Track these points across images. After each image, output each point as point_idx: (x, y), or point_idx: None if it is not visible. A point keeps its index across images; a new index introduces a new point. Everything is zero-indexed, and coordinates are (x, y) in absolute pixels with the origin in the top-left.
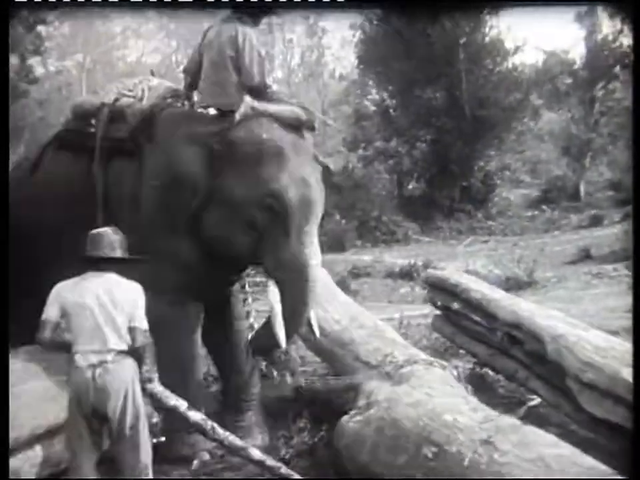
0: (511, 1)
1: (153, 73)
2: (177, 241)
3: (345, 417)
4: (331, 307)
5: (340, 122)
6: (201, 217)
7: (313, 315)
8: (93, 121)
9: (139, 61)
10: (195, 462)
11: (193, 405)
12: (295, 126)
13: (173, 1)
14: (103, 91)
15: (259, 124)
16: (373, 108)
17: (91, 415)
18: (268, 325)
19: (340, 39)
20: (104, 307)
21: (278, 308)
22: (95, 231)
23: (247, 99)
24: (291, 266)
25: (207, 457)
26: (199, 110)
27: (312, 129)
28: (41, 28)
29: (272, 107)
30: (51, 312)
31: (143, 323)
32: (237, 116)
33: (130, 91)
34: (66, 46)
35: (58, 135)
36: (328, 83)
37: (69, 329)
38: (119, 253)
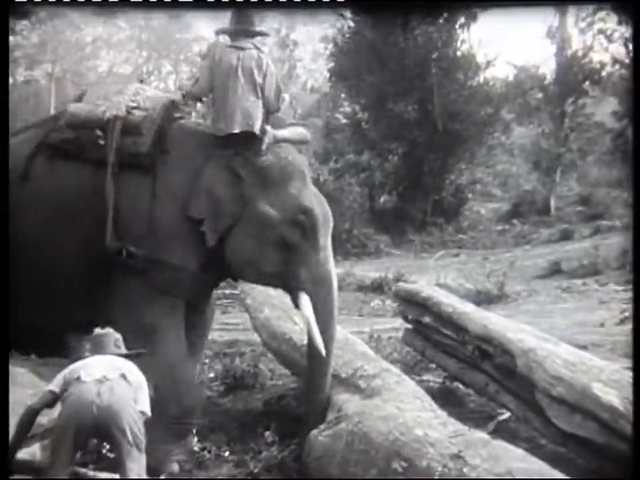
0: (490, 1)
1: (142, 82)
2: (188, 254)
3: (315, 431)
4: (300, 320)
5: (311, 134)
6: (227, 240)
7: (317, 331)
8: (99, 132)
9: (110, 71)
10: (163, 475)
11: (193, 410)
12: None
13: (173, 1)
14: (102, 101)
15: (283, 149)
16: (344, 121)
17: (91, 431)
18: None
19: (312, 52)
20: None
21: (313, 319)
22: (98, 332)
23: (269, 129)
24: (322, 280)
25: (176, 468)
26: (218, 133)
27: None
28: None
29: (287, 133)
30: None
31: (146, 409)
32: (264, 147)
33: (133, 102)
34: (35, 55)
35: (48, 144)
36: (299, 96)
37: None
38: (123, 351)
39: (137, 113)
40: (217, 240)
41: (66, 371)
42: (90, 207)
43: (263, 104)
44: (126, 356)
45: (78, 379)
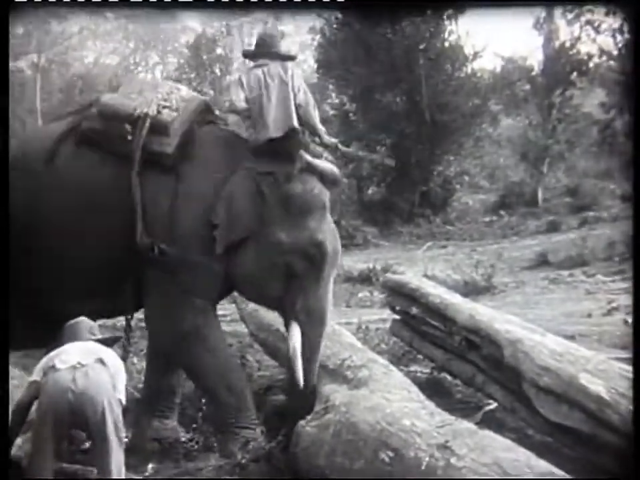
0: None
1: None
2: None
3: (302, 422)
4: None
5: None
6: (236, 252)
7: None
8: (127, 127)
9: (97, 61)
10: (149, 466)
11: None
12: (330, 182)
13: (173, 1)
14: (136, 95)
15: (310, 179)
16: (332, 112)
17: (68, 418)
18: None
19: (299, 43)
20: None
21: (299, 350)
22: (72, 321)
23: (304, 154)
24: (317, 313)
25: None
26: (257, 142)
27: (337, 185)
28: None
29: (319, 164)
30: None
31: (122, 398)
32: (295, 170)
33: (165, 100)
34: (20, 46)
35: (79, 130)
36: None
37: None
38: (99, 336)
39: (167, 112)
40: (224, 249)
41: (44, 360)
42: (111, 199)
43: (296, 105)
44: (102, 341)
45: (53, 367)
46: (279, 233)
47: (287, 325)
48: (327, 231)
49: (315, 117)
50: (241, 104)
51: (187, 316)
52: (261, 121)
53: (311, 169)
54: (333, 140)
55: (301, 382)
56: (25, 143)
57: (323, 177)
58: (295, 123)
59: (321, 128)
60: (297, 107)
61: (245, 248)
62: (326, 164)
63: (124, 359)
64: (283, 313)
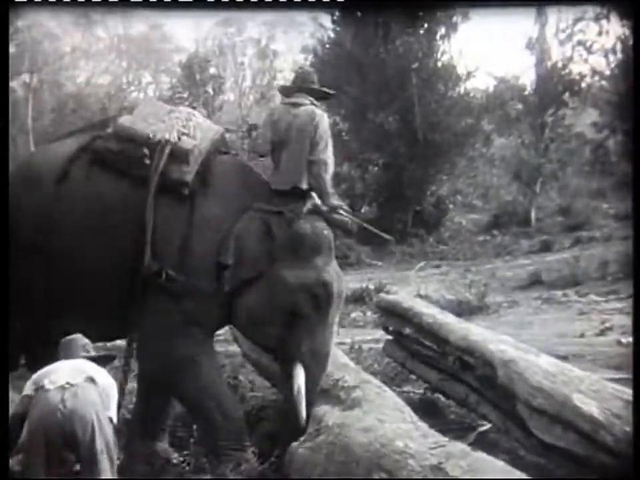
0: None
1: (194, 108)
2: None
3: (295, 443)
4: None
5: None
6: (244, 290)
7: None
8: (145, 151)
9: (89, 81)
10: None
11: (244, 432)
12: (344, 231)
13: (173, 2)
14: (153, 119)
15: (319, 220)
16: None
17: (59, 439)
18: (291, 405)
19: (292, 62)
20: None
21: (304, 391)
22: (66, 338)
23: (314, 195)
24: (318, 353)
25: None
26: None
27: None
28: None
29: (328, 211)
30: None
31: (113, 416)
32: (304, 210)
33: (184, 127)
34: (12, 65)
35: (92, 149)
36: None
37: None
38: (92, 354)
39: (185, 139)
40: (233, 287)
41: (35, 376)
42: (123, 221)
43: (311, 161)
44: (95, 359)
45: (42, 387)
46: (286, 272)
47: (285, 368)
48: (333, 272)
49: (327, 176)
50: (266, 147)
51: (186, 342)
52: (276, 168)
53: (319, 212)
54: (337, 203)
55: (303, 423)
56: (33, 161)
57: (333, 222)
58: (304, 181)
59: (329, 190)
60: (311, 162)
61: (252, 287)
62: (341, 217)
63: (124, 383)
64: (282, 354)
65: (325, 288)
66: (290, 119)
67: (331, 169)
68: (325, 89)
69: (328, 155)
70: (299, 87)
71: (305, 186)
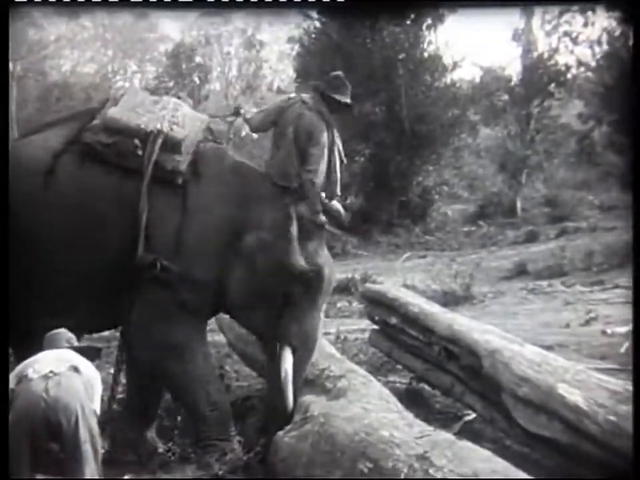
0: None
1: (179, 98)
2: (211, 275)
3: (280, 433)
4: None
5: None
6: (237, 273)
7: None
8: (137, 142)
9: (74, 70)
10: (126, 477)
11: (230, 422)
12: (335, 221)
13: (172, 1)
14: (142, 110)
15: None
16: None
17: (43, 429)
18: (279, 389)
19: (278, 52)
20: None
21: (291, 375)
22: (51, 332)
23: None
24: (307, 336)
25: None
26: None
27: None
28: None
29: (332, 205)
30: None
31: (96, 408)
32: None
33: (173, 117)
34: None
35: (81, 142)
36: (266, 96)
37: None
38: (75, 344)
39: (177, 129)
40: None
41: (19, 367)
42: (115, 213)
43: (304, 171)
44: (80, 350)
45: (26, 376)
46: (280, 256)
47: (271, 353)
48: (325, 258)
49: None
50: (261, 129)
51: (180, 330)
52: (272, 159)
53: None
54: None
55: (290, 407)
56: (18, 153)
57: (331, 215)
58: (294, 184)
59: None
60: (303, 171)
61: (245, 270)
62: (336, 205)
63: (117, 374)
64: (271, 337)
65: (318, 273)
66: (295, 114)
67: (321, 177)
68: (345, 101)
69: (321, 168)
70: (322, 92)
71: (294, 186)
